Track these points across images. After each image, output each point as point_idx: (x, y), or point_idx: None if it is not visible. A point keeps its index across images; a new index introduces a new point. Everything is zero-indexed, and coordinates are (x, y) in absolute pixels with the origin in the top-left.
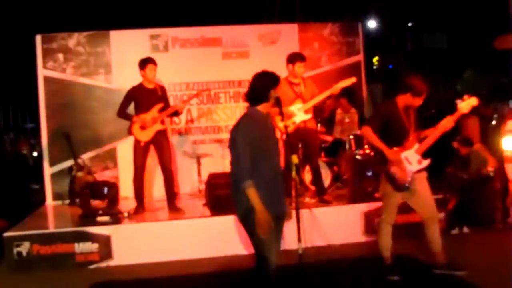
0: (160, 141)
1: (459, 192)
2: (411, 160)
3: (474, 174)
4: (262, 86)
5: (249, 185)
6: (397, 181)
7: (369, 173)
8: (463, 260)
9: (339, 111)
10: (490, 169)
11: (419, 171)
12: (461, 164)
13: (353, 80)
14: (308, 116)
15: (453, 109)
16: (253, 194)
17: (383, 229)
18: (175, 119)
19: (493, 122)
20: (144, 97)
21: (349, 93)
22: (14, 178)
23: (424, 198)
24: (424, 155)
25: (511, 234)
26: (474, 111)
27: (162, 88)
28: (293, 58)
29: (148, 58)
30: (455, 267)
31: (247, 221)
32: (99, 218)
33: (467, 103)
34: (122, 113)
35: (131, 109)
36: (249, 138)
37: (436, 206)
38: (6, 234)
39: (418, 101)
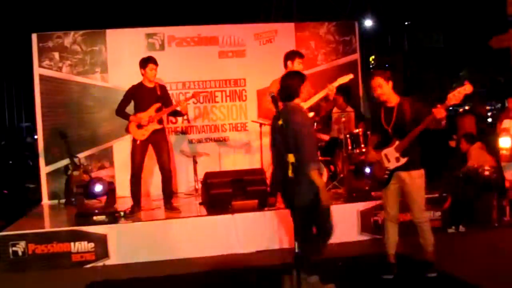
0: (159, 141)
1: (455, 191)
2: (389, 157)
3: (470, 172)
4: (293, 84)
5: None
6: (376, 178)
7: (366, 172)
8: (459, 258)
9: (335, 110)
10: (487, 167)
11: (398, 168)
12: (459, 162)
13: (350, 76)
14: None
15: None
16: (318, 175)
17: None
18: (172, 118)
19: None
20: (144, 96)
21: (345, 92)
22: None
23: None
24: (423, 155)
25: (507, 233)
26: (470, 109)
27: (162, 87)
28: (292, 55)
29: (149, 58)
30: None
31: (316, 200)
32: (95, 217)
33: (457, 92)
34: (120, 112)
35: (130, 108)
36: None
37: (433, 205)
38: (2, 233)
39: None
